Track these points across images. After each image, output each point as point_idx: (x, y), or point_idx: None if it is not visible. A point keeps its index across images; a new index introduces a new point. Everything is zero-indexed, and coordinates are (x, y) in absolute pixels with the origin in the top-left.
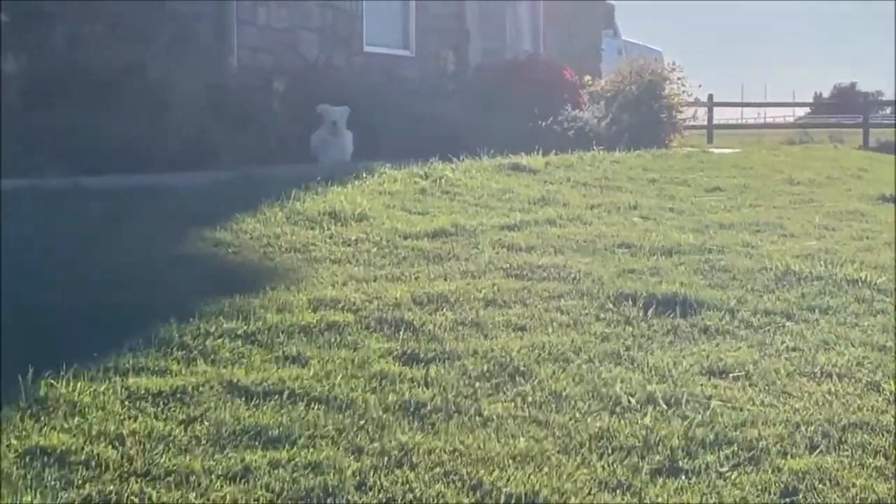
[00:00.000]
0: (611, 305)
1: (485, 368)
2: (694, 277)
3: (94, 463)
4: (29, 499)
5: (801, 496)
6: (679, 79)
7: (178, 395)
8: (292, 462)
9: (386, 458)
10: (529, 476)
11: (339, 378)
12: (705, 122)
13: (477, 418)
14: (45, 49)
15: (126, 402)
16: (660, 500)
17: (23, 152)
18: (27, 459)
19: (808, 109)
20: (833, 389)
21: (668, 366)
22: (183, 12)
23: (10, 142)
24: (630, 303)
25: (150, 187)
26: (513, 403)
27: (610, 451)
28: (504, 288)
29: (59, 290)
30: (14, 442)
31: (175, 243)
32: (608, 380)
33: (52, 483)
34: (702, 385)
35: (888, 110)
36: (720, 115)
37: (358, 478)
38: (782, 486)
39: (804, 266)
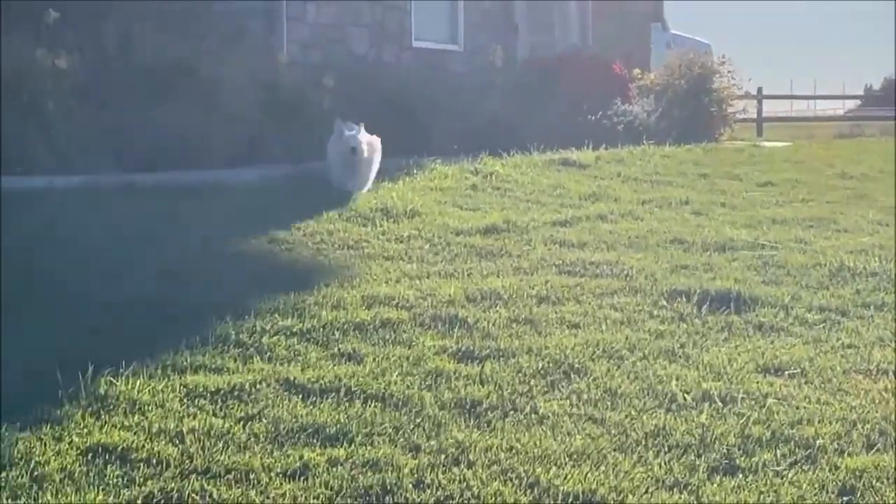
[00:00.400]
0: (664, 302)
1: (539, 366)
2: (747, 273)
3: (154, 460)
4: (92, 496)
5: (858, 495)
6: (729, 72)
7: (236, 393)
8: (350, 460)
9: (443, 456)
10: (586, 474)
11: (394, 375)
12: (755, 116)
13: (532, 416)
14: (97, 47)
15: (185, 400)
16: (717, 498)
17: (77, 150)
18: (89, 457)
19: (858, 102)
20: (889, 387)
21: (724, 363)
22: (233, 9)
23: (64, 140)
24: (684, 299)
25: (204, 184)
26: (568, 401)
27: (666, 448)
28: (557, 285)
29: (116, 289)
30: (76, 439)
31: (229, 240)
32: (663, 377)
33: (115, 480)
34: (757, 382)
35: None
36: (770, 108)
37: (415, 475)
38: (840, 484)
39: (858, 262)
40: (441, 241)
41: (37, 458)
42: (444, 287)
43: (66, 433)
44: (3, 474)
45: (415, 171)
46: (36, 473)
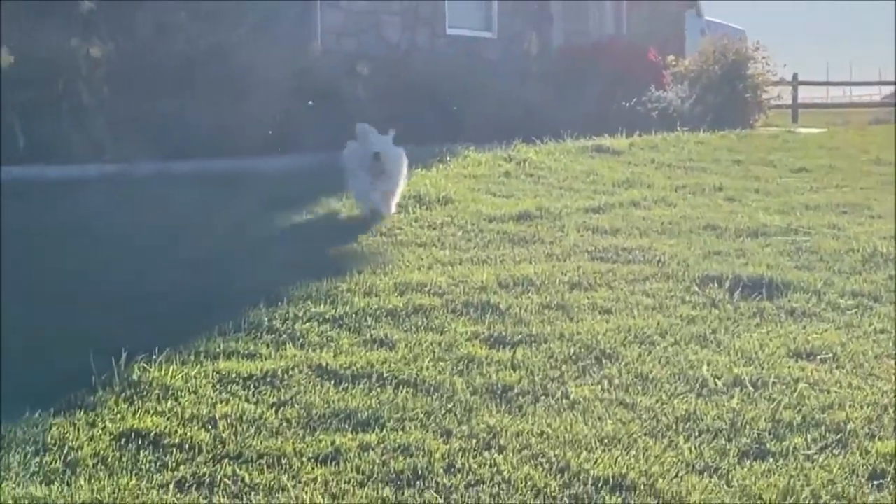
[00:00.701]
0: (696, 288)
1: (571, 351)
2: (780, 259)
3: (187, 445)
4: (125, 481)
5: (889, 479)
6: (763, 58)
7: (269, 379)
8: (382, 444)
9: (474, 441)
10: (617, 459)
11: (426, 361)
12: (790, 102)
13: (564, 401)
14: (131, 36)
15: (217, 386)
16: (747, 482)
17: (110, 139)
18: (122, 442)
19: (894, 87)
20: None
21: (755, 348)
22: None
23: (97, 128)
24: (716, 285)
25: (237, 171)
26: (599, 386)
27: (697, 433)
28: (589, 271)
29: (150, 276)
30: (109, 425)
31: (263, 227)
32: (694, 362)
33: (147, 465)
34: (789, 367)
35: None
36: (805, 94)
37: (446, 460)
38: (870, 468)
39: (891, 248)
40: (474, 228)
41: (70, 444)
42: (477, 273)
43: (99, 419)
44: (37, 459)
45: (448, 159)
46: (69, 458)
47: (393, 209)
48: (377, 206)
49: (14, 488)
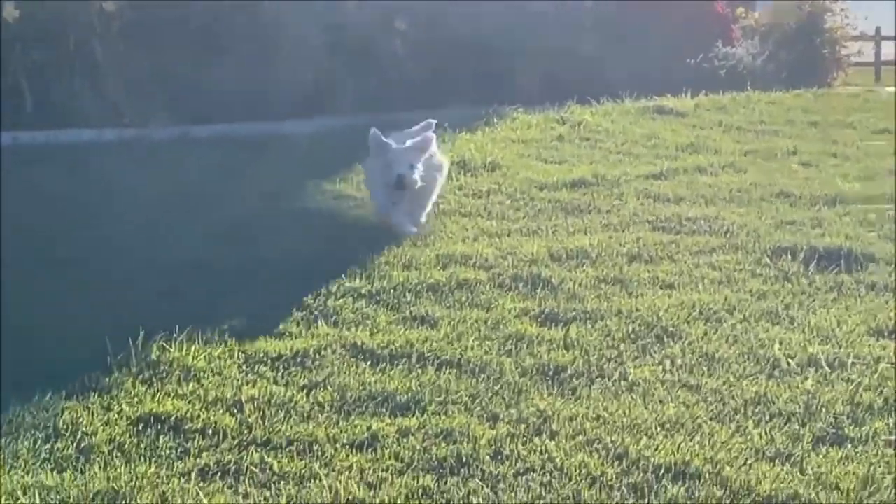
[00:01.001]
0: (768, 260)
1: (630, 329)
2: (859, 229)
3: (210, 431)
4: (143, 468)
5: None
6: (842, 10)
7: (299, 360)
8: (423, 430)
9: (523, 426)
10: (679, 445)
11: (471, 340)
12: (871, 59)
13: (622, 383)
14: None
15: (243, 367)
16: (823, 470)
17: (127, 101)
18: (140, 427)
19: None
20: None
21: (832, 325)
22: None
23: (113, 89)
24: (789, 257)
25: (265, 136)
26: (661, 367)
27: (767, 417)
28: (650, 242)
29: (171, 249)
30: (126, 409)
31: (292, 196)
32: (765, 341)
33: (167, 452)
34: (869, 346)
35: None
36: (888, 50)
37: (493, 446)
38: None
39: None
40: (523, 197)
41: (84, 429)
42: (527, 245)
43: (115, 402)
44: (49, 445)
45: (495, 121)
46: (83, 444)
47: (423, 220)
48: (401, 226)
49: (23, 476)
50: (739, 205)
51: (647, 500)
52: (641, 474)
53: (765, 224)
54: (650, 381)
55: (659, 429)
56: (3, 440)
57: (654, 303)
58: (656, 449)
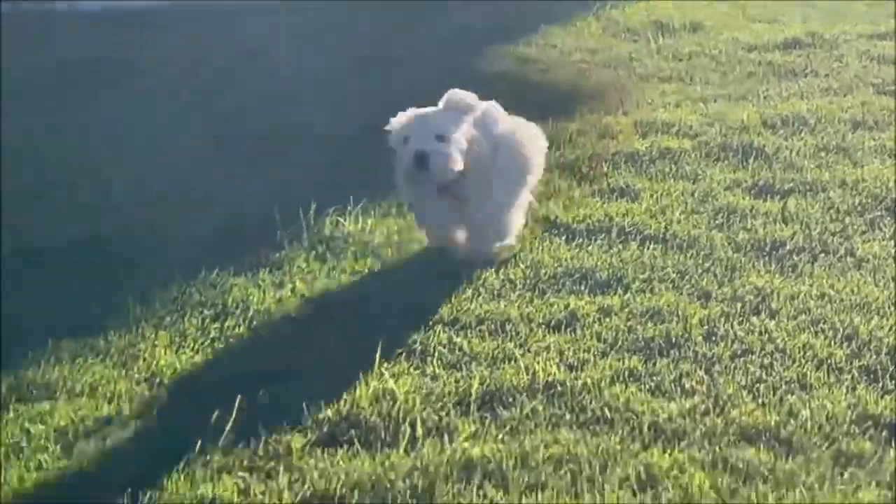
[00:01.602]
0: None
1: (855, 201)
2: None
3: (392, 309)
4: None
5: None
6: None
7: None
8: (626, 309)
9: (739, 305)
10: None
11: (677, 213)
12: None
13: (848, 259)
14: None
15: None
16: None
17: None
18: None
19: None
20: None
21: None
22: None
23: None
24: None
25: None
26: (892, 241)
27: None
28: (876, 107)
29: (329, 112)
30: (299, 285)
31: (474, 59)
32: None
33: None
34: None
35: None
36: None
37: (706, 326)
38: None
39: None
40: (731, 59)
41: (255, 306)
42: (736, 111)
43: (287, 279)
44: (217, 324)
45: None
46: (255, 323)
47: (509, 240)
48: (453, 253)
49: (193, 356)
50: None
51: (881, 385)
52: (874, 356)
53: None
54: (881, 256)
55: (892, 308)
56: (167, 318)
57: (882, 173)
58: (890, 330)
